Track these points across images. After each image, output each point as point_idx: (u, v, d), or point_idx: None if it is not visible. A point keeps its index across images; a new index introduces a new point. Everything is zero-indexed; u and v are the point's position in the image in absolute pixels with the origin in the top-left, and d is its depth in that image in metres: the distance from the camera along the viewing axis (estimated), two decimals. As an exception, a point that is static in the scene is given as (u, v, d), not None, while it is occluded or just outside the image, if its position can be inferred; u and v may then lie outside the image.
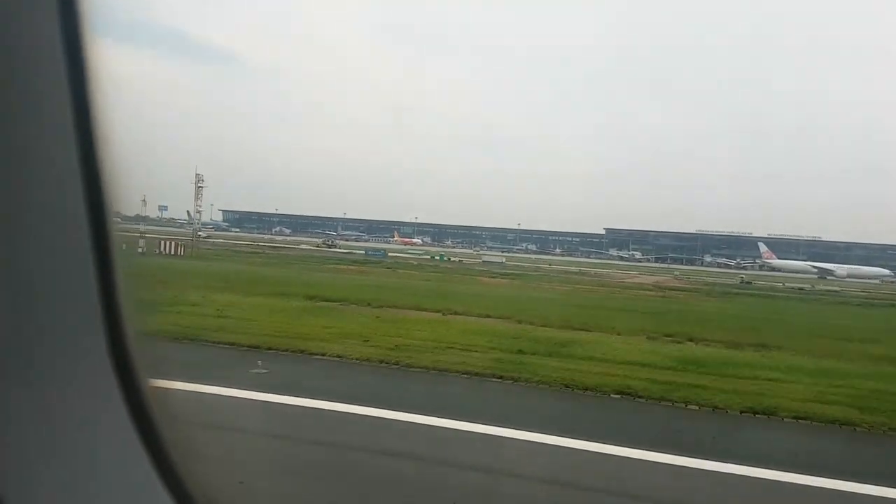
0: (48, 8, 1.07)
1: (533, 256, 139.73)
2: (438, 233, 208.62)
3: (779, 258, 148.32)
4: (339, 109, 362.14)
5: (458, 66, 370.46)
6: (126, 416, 1.15)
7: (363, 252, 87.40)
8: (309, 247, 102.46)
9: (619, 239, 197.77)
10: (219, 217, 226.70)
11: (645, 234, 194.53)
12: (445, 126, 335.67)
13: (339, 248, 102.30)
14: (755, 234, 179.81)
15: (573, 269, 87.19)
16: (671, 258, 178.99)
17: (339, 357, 14.69)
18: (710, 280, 79.35)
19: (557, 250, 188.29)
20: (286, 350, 15.02)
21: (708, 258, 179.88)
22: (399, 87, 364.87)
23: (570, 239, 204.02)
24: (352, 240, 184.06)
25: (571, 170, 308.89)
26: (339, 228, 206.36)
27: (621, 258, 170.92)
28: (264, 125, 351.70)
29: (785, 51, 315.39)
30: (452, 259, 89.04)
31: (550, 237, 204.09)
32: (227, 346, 15.12)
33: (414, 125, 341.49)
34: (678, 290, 56.33)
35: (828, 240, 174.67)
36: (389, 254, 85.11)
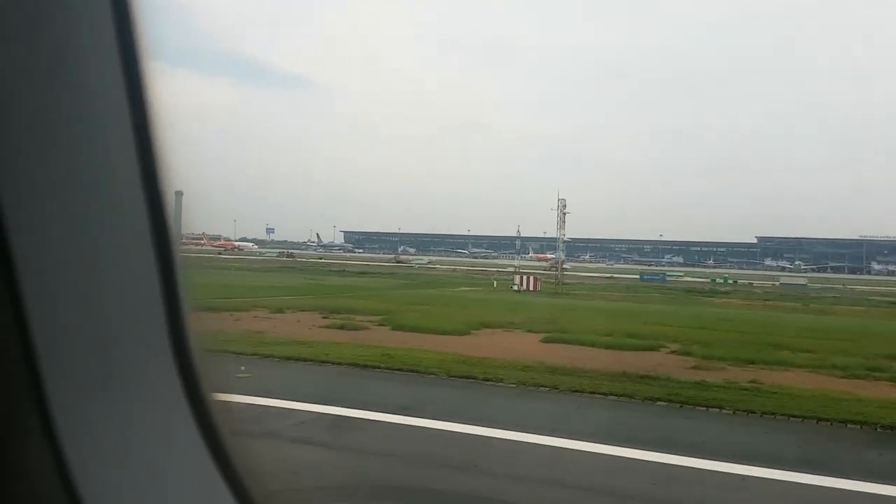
0: (107, 42, 1.15)
1: (709, 271, 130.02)
2: (570, 247, 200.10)
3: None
4: (436, 126, 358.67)
5: (546, 73, 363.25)
6: (194, 426, 1.26)
7: (637, 276, 79.30)
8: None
9: (770, 248, 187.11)
10: (340, 238, 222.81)
11: (798, 241, 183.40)
12: (550, 137, 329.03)
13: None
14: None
15: (840, 286, 77.59)
16: (831, 267, 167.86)
17: None
18: None
19: (710, 261, 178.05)
20: None
21: (876, 266, 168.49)
22: (492, 101, 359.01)
23: (716, 249, 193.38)
24: (491, 257, 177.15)
25: (712, 174, 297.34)
26: (470, 246, 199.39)
27: (783, 269, 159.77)
28: (355, 145, 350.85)
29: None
30: (738, 281, 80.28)
31: (691, 248, 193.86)
32: None
33: (516, 136, 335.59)
34: None
35: None
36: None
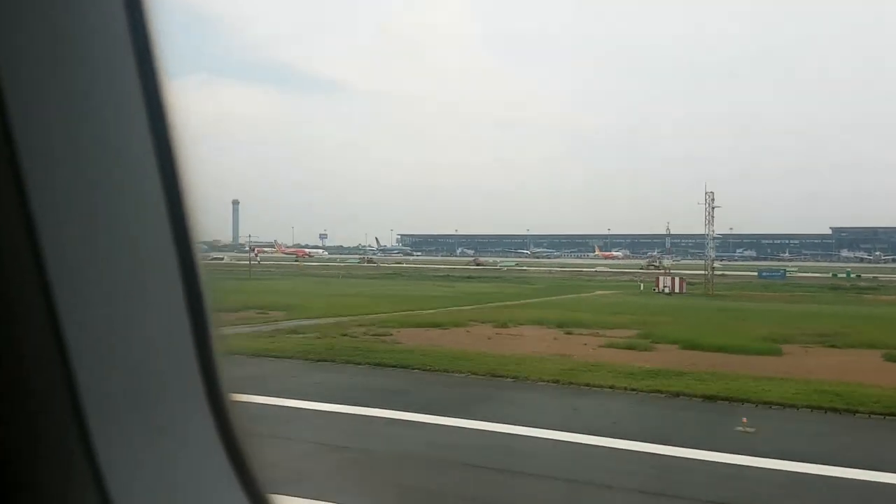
0: (121, 47, 1.16)
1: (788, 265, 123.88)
2: (636, 244, 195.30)
3: None
4: (483, 124, 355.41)
5: (590, 65, 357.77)
6: (212, 425, 1.32)
7: (756, 273, 74.98)
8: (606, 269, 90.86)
9: (845, 238, 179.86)
10: (396, 241, 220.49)
11: (874, 230, 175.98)
12: (599, 130, 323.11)
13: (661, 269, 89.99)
14: None
15: None
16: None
17: None
18: None
19: (785, 254, 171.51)
20: None
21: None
22: (538, 97, 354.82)
23: (787, 241, 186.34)
24: (550, 257, 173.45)
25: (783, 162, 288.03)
26: (531, 246, 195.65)
27: (861, 260, 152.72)
28: (402, 148, 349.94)
29: None
30: (862, 276, 75.66)
31: (762, 241, 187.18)
32: None
33: (563, 131, 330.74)
34: None
35: None
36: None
